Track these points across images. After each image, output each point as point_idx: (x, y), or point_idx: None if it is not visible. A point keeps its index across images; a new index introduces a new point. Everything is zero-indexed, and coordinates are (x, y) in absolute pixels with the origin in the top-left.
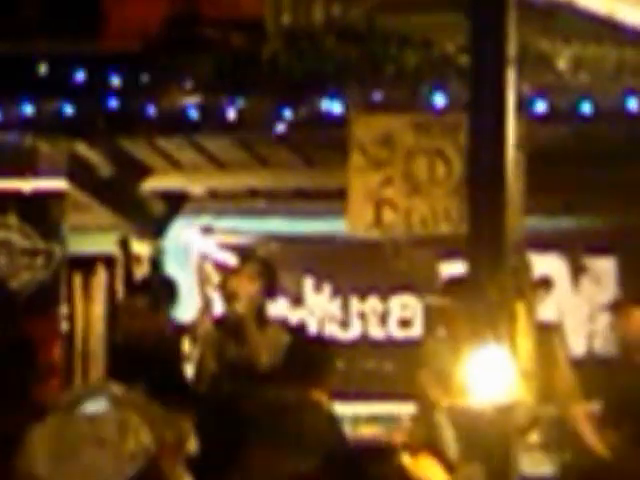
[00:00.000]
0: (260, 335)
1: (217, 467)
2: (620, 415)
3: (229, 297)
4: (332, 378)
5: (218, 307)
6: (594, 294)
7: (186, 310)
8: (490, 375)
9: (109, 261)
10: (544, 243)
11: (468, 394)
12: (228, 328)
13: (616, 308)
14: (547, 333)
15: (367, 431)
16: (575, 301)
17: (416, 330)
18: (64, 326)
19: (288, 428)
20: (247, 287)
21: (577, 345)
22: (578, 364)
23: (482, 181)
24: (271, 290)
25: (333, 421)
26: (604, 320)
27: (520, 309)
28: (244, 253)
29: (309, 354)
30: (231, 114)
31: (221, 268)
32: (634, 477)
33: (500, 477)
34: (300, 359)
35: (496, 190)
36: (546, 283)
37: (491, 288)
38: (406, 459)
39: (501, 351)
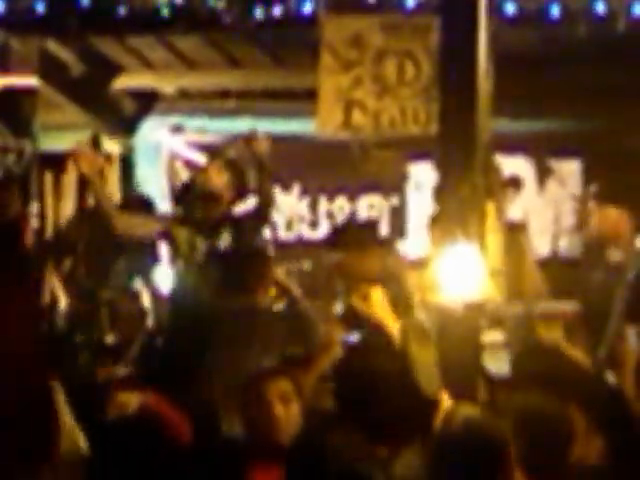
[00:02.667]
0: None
1: (187, 369)
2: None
3: (204, 197)
4: (269, 280)
5: None
6: (559, 196)
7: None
8: (460, 272)
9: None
10: (511, 145)
11: (438, 291)
12: (198, 225)
13: (589, 205)
14: (514, 233)
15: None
16: (540, 203)
17: (383, 230)
18: (35, 223)
19: (243, 331)
20: (216, 181)
21: (542, 246)
22: (543, 265)
23: (453, 81)
24: (240, 188)
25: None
26: (569, 221)
27: (490, 208)
28: (211, 152)
29: (245, 266)
30: (202, 13)
31: (191, 167)
32: (582, 374)
33: (468, 373)
34: (238, 270)
35: (467, 90)
36: (515, 183)
37: (462, 187)
38: None
39: (471, 249)
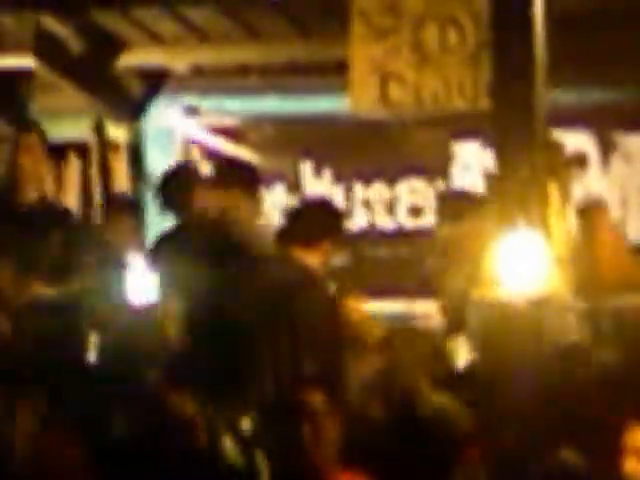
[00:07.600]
0: None
1: None
2: None
3: None
4: None
5: None
6: (626, 175)
7: None
8: (521, 263)
9: (82, 148)
10: (571, 118)
11: (496, 285)
12: None
13: None
14: (587, 214)
15: None
16: (605, 183)
17: (428, 218)
18: None
19: None
20: None
21: None
22: None
23: (506, 48)
24: None
25: None
26: (637, 203)
27: (553, 189)
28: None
29: None
30: None
31: (209, 154)
32: None
33: (532, 379)
34: None
35: (522, 58)
36: (580, 160)
37: (521, 166)
38: None
39: (533, 235)
